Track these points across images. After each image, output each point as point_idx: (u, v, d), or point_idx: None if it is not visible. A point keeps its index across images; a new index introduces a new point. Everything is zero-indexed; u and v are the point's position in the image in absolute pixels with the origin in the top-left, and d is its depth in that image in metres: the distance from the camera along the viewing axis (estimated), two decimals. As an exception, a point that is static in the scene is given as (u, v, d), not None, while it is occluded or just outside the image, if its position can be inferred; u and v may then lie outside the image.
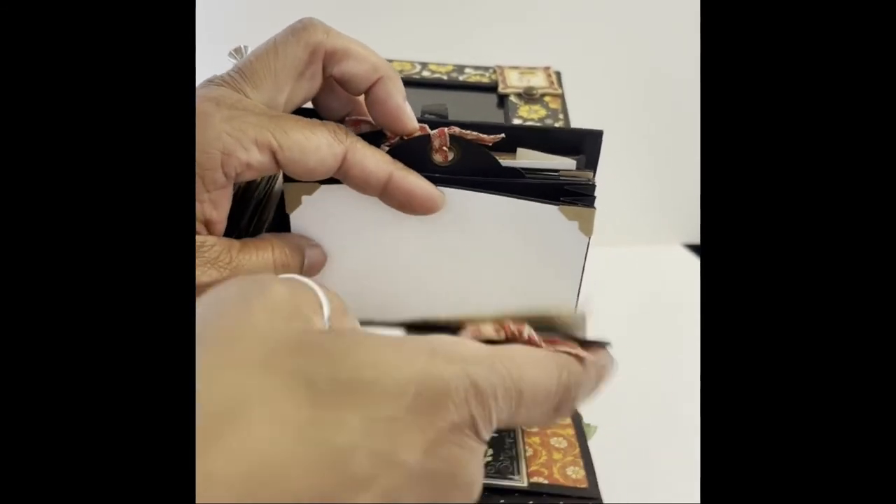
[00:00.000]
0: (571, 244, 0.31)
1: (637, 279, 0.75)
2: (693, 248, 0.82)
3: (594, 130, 0.31)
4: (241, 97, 0.26)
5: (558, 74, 0.49)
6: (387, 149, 0.29)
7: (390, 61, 0.48)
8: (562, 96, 0.46)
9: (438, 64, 0.49)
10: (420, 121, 0.30)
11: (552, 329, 0.25)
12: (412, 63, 0.48)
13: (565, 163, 0.31)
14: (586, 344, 0.25)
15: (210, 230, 0.27)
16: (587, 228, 0.30)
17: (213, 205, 0.26)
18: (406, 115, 0.29)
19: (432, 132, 0.29)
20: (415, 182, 0.29)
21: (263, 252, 0.28)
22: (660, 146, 0.79)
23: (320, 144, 0.26)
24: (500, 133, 0.30)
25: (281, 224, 0.32)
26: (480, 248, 0.31)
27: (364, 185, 0.28)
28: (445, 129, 0.29)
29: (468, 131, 0.29)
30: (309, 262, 0.30)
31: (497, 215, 0.30)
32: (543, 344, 0.24)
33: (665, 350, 0.65)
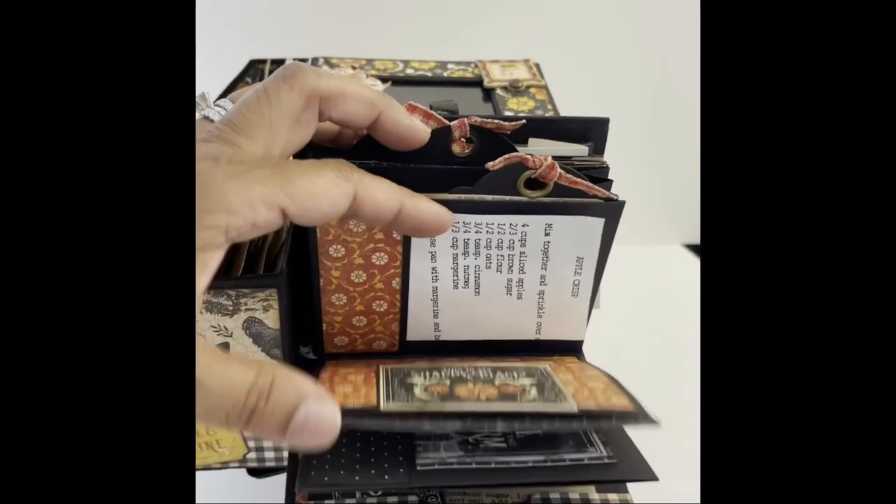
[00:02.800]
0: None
1: (637, 279, 0.75)
2: (693, 248, 0.82)
3: (601, 118, 0.31)
4: (237, 150, 0.25)
5: (538, 66, 0.49)
6: None
7: (371, 61, 0.48)
8: (546, 87, 0.46)
9: (420, 61, 0.48)
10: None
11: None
12: (394, 62, 0.48)
13: (578, 149, 0.31)
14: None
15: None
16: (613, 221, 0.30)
17: (203, 266, 0.24)
18: (418, 128, 0.28)
19: (452, 123, 0.29)
20: (425, 208, 0.28)
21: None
22: (660, 146, 0.79)
23: (329, 186, 0.25)
24: (520, 121, 0.30)
25: (297, 251, 0.31)
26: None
27: (375, 219, 0.27)
28: (465, 120, 0.29)
29: (488, 120, 0.29)
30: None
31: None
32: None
33: (665, 349, 0.65)
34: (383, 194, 0.27)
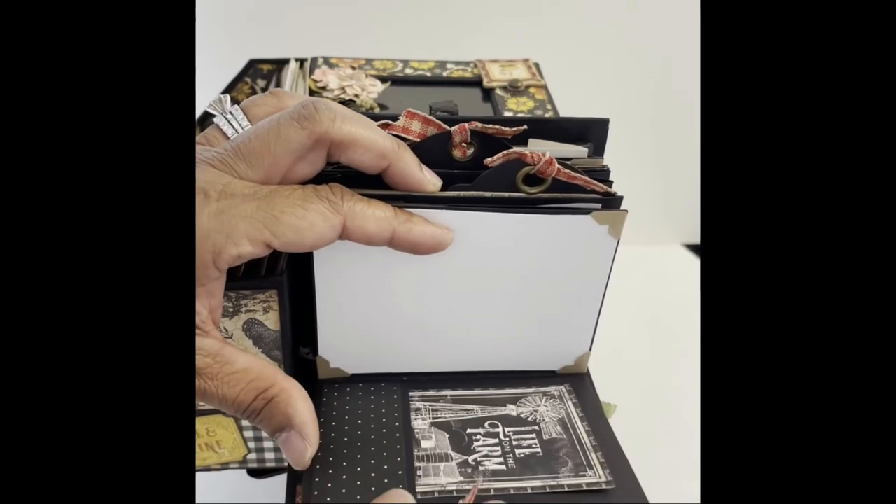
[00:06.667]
0: (600, 248, 0.30)
1: (637, 279, 0.75)
2: (693, 248, 0.82)
3: (600, 118, 0.31)
4: (230, 180, 0.26)
5: (538, 66, 0.49)
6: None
7: (371, 61, 0.48)
8: (546, 87, 0.46)
9: (420, 61, 0.49)
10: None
11: None
12: (394, 61, 0.48)
13: (578, 150, 0.31)
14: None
15: (211, 314, 0.27)
16: (617, 231, 0.30)
17: (209, 294, 0.26)
18: (427, 182, 0.29)
19: (452, 128, 0.29)
20: (419, 231, 0.28)
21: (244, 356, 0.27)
22: (660, 146, 0.79)
23: (315, 221, 0.26)
24: (520, 125, 0.30)
25: (296, 261, 0.31)
26: (507, 265, 0.31)
27: (367, 244, 0.28)
28: (466, 125, 0.29)
29: (489, 125, 0.29)
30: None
31: (524, 231, 0.30)
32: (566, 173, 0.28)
33: (665, 349, 0.65)
34: (374, 224, 0.27)
